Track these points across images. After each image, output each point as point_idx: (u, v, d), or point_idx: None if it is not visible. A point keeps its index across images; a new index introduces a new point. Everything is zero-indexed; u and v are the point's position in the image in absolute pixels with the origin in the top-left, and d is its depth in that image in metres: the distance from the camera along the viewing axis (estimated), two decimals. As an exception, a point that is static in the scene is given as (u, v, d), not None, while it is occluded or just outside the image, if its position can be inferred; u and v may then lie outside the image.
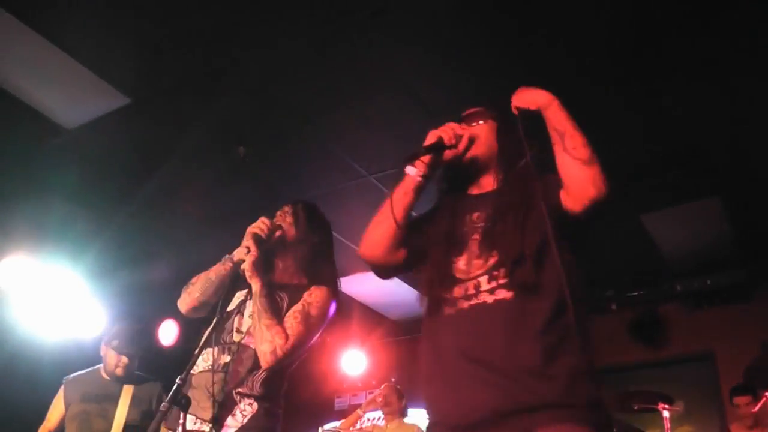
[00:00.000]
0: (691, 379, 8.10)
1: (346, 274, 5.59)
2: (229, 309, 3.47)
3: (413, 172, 2.82)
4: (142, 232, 7.12)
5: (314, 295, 3.43)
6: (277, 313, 3.31)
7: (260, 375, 3.25)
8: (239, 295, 3.54)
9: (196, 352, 3.19)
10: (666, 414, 5.91)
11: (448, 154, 2.81)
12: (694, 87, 5.23)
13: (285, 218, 3.69)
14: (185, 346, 7.93)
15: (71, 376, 5.26)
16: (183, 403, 3.03)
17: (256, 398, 3.22)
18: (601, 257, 7.41)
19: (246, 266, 3.33)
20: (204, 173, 6.34)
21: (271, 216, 3.66)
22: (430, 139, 2.80)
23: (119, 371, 5.15)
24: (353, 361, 9.39)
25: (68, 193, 6.42)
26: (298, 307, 3.37)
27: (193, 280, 3.56)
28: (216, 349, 3.30)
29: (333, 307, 3.49)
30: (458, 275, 2.59)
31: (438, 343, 2.56)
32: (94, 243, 7.00)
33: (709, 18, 4.60)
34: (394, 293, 8.51)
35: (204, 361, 3.28)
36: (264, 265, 3.41)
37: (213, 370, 3.23)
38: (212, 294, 3.46)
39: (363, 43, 4.82)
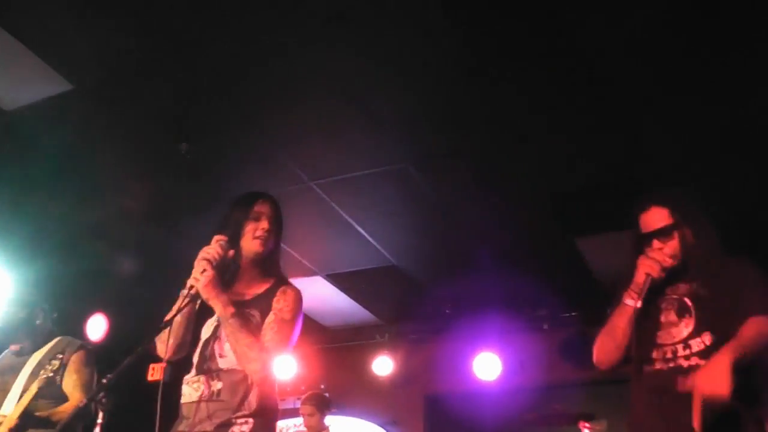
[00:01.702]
0: (617, 398, 8.19)
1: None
2: (204, 338, 3.41)
3: (632, 303, 3.33)
4: (73, 222, 7.00)
5: (283, 300, 3.41)
6: (253, 329, 3.28)
7: (255, 393, 3.24)
8: (211, 322, 3.44)
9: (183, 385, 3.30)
10: (586, 432, 6.04)
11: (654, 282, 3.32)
12: (637, 117, 5.34)
13: (263, 218, 3.56)
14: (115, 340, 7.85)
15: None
16: (103, 403, 3.25)
17: (252, 415, 3.21)
18: (536, 278, 7.51)
19: (202, 289, 3.23)
20: (144, 167, 6.28)
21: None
22: (640, 277, 3.31)
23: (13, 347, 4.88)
24: (283, 366, 9.34)
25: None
26: (270, 317, 3.34)
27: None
28: (204, 377, 3.29)
29: (301, 303, 3.50)
30: (659, 342, 3.32)
31: None
32: (19, 229, 6.87)
33: (649, 50, 4.70)
34: (330, 301, 8.52)
35: (195, 390, 3.29)
36: (225, 284, 3.34)
37: (210, 399, 3.23)
38: (184, 333, 3.37)
39: (313, 50, 4.81)
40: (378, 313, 9.09)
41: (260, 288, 3.48)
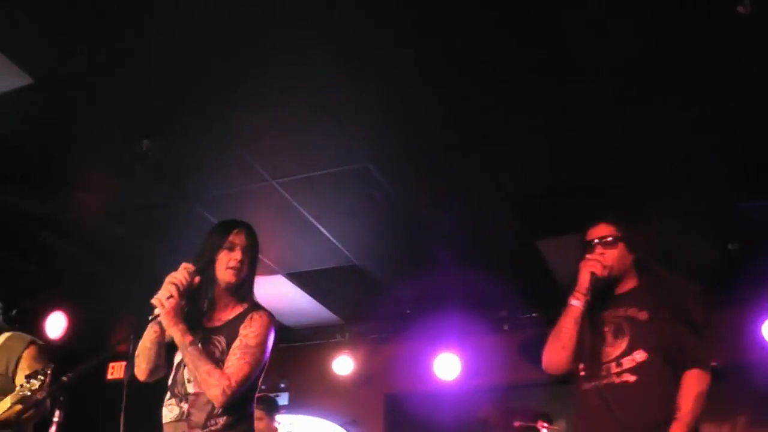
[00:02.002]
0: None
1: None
2: (176, 362, 3.52)
3: (578, 304, 3.51)
4: (33, 219, 6.94)
5: (249, 326, 3.46)
6: (213, 358, 3.36)
7: (221, 416, 3.33)
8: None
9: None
10: None
11: (600, 281, 3.54)
12: (601, 122, 5.42)
13: (236, 248, 3.60)
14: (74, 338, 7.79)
15: None
16: (61, 401, 3.24)
17: (224, 417, 3.33)
18: (497, 279, 7.56)
19: (163, 316, 3.31)
20: (105, 163, 6.24)
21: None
22: (585, 275, 3.53)
23: None
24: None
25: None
26: (236, 343, 3.41)
27: (137, 352, 3.49)
28: (176, 400, 3.42)
29: (273, 331, 3.57)
30: (603, 359, 3.49)
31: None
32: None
33: (616, 55, 4.77)
34: (291, 300, 8.51)
35: (170, 412, 3.42)
36: (200, 311, 3.50)
37: (180, 419, 3.37)
38: (156, 358, 3.48)
39: (274, 48, 4.81)
40: (339, 313, 9.09)
41: (231, 314, 3.55)
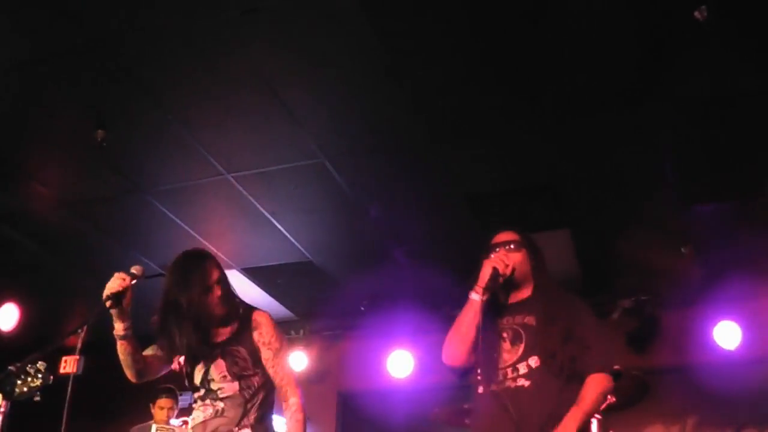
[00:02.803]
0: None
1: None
2: (199, 376, 3.81)
3: (477, 297, 3.59)
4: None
5: (265, 333, 3.87)
6: (243, 365, 3.80)
7: (256, 406, 3.80)
8: (199, 368, 3.82)
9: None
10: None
11: (501, 280, 3.64)
12: (559, 122, 5.48)
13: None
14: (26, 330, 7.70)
15: None
16: (8, 390, 3.44)
17: (251, 427, 3.74)
18: (452, 276, 7.56)
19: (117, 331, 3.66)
20: (58, 154, 6.16)
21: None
22: (487, 269, 3.63)
23: None
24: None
25: None
26: (266, 354, 3.83)
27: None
28: (210, 399, 3.76)
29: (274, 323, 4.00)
30: (499, 364, 3.55)
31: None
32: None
33: (574, 58, 4.80)
34: (245, 295, 8.22)
35: (202, 412, 3.75)
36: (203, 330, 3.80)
37: (214, 417, 3.71)
38: (134, 363, 3.76)
39: (231, 41, 4.80)
40: (293, 309, 9.07)
41: (234, 324, 3.89)
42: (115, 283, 3.55)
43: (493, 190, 6.35)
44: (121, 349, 3.69)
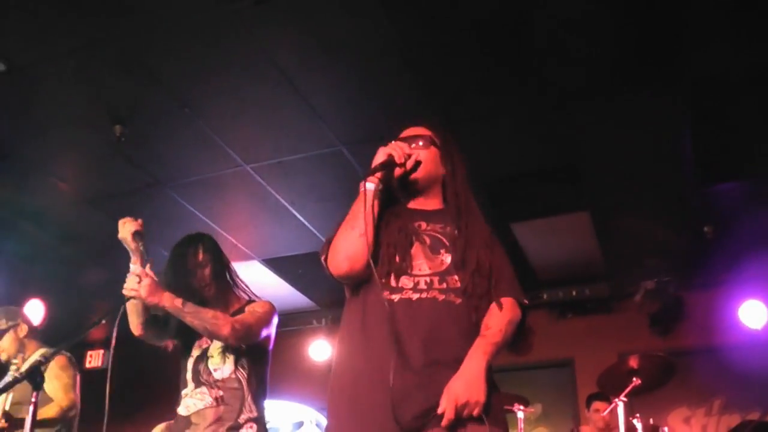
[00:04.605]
0: (551, 383, 8.39)
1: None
2: (195, 355, 3.83)
3: (372, 186, 2.95)
4: (9, 206, 6.88)
5: (256, 306, 3.93)
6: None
7: (253, 395, 3.76)
8: (197, 345, 3.86)
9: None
10: (520, 415, 6.15)
11: (398, 172, 3.00)
12: (571, 109, 5.46)
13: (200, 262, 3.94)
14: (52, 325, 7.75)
15: None
16: (38, 382, 3.31)
17: (255, 420, 3.72)
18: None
19: (147, 298, 3.56)
20: (77, 150, 6.19)
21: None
22: (381, 156, 2.97)
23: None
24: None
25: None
26: (246, 313, 3.84)
27: (129, 311, 3.76)
28: (206, 387, 3.73)
29: (275, 313, 4.01)
30: (408, 270, 2.86)
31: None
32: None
33: (583, 44, 4.77)
34: (267, 286, 8.48)
35: (200, 400, 3.71)
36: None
37: (216, 405, 3.68)
38: (144, 311, 3.74)
39: (245, 31, 4.79)
40: (315, 299, 9.09)
41: (235, 308, 3.93)
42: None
43: (511, 173, 6.32)
44: (131, 306, 3.71)
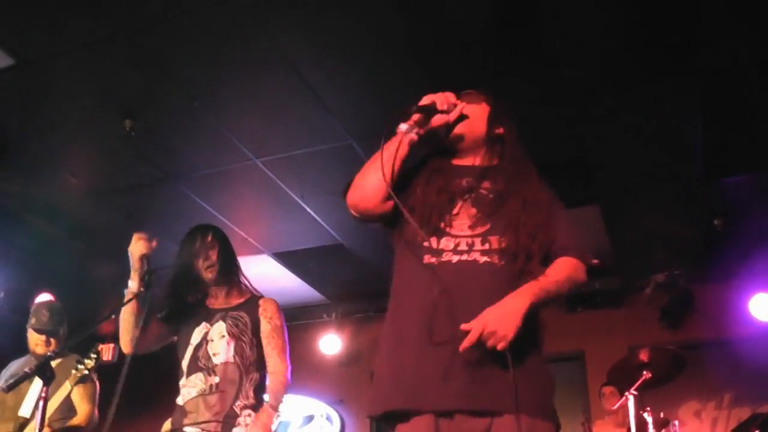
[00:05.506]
0: (562, 376, 8.31)
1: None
2: (195, 343, 3.84)
3: (405, 128, 2.80)
4: (19, 200, 6.90)
5: (265, 308, 3.95)
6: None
7: (250, 383, 3.76)
8: (199, 329, 3.87)
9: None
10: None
11: (438, 120, 2.82)
12: (583, 102, 5.45)
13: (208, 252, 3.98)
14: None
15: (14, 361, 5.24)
16: (48, 377, 3.39)
17: (253, 408, 3.71)
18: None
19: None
20: (87, 144, 6.20)
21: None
22: (425, 101, 2.82)
23: (39, 350, 5.08)
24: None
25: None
26: (266, 327, 3.89)
27: (120, 327, 3.79)
28: (202, 374, 3.74)
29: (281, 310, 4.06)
30: (448, 230, 2.72)
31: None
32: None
33: (597, 38, 4.76)
34: (277, 280, 8.49)
35: (192, 387, 3.72)
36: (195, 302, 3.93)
37: (210, 392, 3.69)
38: (133, 329, 3.72)
39: (255, 26, 4.79)
40: (325, 292, 9.10)
41: (240, 299, 3.97)
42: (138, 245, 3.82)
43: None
44: (130, 309, 3.72)
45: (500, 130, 3.00)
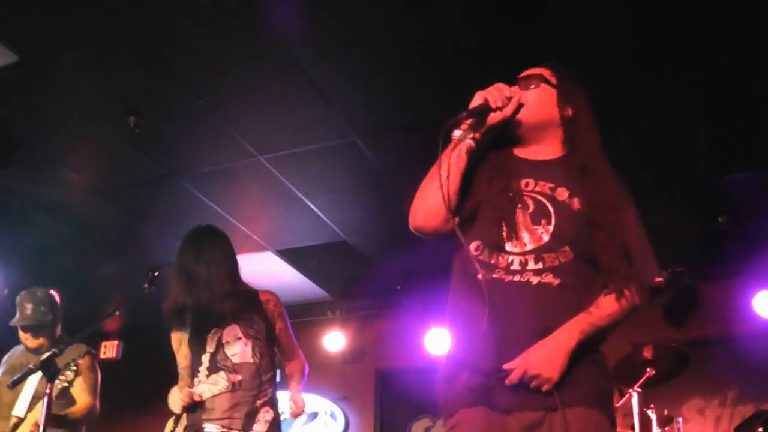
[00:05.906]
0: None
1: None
2: (210, 350, 4.03)
3: (459, 135, 2.67)
4: (23, 198, 6.91)
5: (274, 304, 4.28)
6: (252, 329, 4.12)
7: (267, 381, 4.03)
8: (212, 333, 4.05)
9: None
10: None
11: (494, 117, 2.65)
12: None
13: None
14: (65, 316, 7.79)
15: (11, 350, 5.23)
16: (52, 373, 3.55)
17: (271, 405, 3.99)
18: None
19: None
20: (91, 141, 6.21)
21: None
22: (476, 100, 2.67)
23: (30, 344, 5.09)
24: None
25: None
26: (281, 323, 4.25)
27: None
28: (224, 372, 3.94)
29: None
30: (504, 246, 2.51)
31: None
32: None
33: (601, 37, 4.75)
34: (281, 277, 8.49)
35: (214, 384, 3.92)
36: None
37: (233, 390, 3.90)
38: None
39: (258, 22, 4.79)
40: (329, 289, 9.10)
41: (239, 301, 4.09)
42: None
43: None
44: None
45: (568, 113, 2.76)
